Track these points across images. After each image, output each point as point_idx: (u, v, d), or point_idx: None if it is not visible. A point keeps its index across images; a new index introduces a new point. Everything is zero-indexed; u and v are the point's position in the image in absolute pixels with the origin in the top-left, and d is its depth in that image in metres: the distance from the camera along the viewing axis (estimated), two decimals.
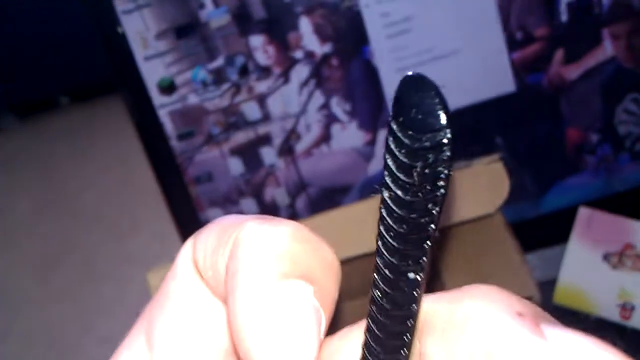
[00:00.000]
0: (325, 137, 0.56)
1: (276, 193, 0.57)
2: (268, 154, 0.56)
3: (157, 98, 0.55)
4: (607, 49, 0.53)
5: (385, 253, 0.14)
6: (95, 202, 1.74)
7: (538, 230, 0.57)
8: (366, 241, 0.40)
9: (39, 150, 1.98)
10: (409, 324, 0.14)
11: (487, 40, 0.52)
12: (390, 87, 0.54)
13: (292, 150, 0.56)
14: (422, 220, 0.13)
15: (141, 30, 0.53)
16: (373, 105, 0.55)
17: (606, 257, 0.51)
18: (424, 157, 0.13)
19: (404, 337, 0.14)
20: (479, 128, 0.55)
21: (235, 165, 0.56)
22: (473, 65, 0.53)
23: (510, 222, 0.57)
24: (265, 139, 0.56)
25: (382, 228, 0.14)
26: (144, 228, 1.62)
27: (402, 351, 0.14)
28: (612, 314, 0.50)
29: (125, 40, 0.53)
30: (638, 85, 0.54)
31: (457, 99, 0.54)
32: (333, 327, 0.17)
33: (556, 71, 0.53)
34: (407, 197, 0.13)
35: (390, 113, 0.13)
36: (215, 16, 0.52)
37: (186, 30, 0.53)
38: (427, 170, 0.13)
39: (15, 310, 1.56)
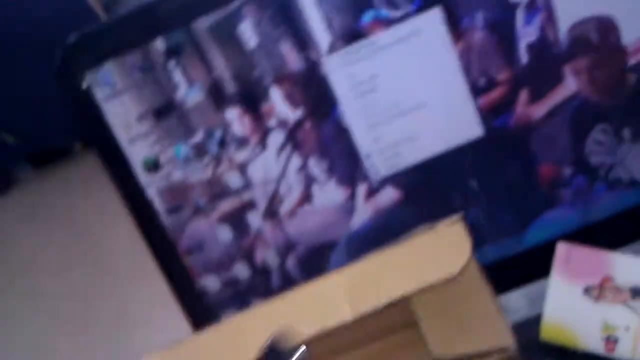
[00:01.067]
0: (307, 197, 0.58)
1: (266, 255, 0.59)
2: (254, 219, 0.58)
3: (143, 177, 0.57)
4: (570, 85, 0.54)
5: None
6: (116, 247, 1.79)
7: (521, 266, 0.59)
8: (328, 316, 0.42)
9: (58, 199, 2.03)
10: None
11: (451, 89, 0.54)
12: (363, 142, 0.56)
13: (276, 213, 0.58)
14: None
15: (122, 115, 0.56)
16: (349, 161, 0.57)
17: (587, 291, 0.52)
18: None
19: None
20: (452, 173, 0.57)
21: (224, 233, 0.59)
22: (440, 116, 0.55)
23: (493, 260, 0.59)
24: (250, 205, 0.58)
25: None
26: None
27: None
28: (598, 348, 0.51)
29: (109, 126, 0.56)
30: (605, 115, 0.55)
31: (428, 149, 0.56)
32: None
33: (522, 112, 0.55)
34: None
35: None
36: (190, 95, 0.55)
37: (164, 111, 0.56)
38: None
39: (50, 357, 1.60)
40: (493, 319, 0.46)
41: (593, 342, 0.52)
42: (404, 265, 0.43)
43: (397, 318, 0.50)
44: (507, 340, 0.45)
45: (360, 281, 0.44)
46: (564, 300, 0.53)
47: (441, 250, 0.43)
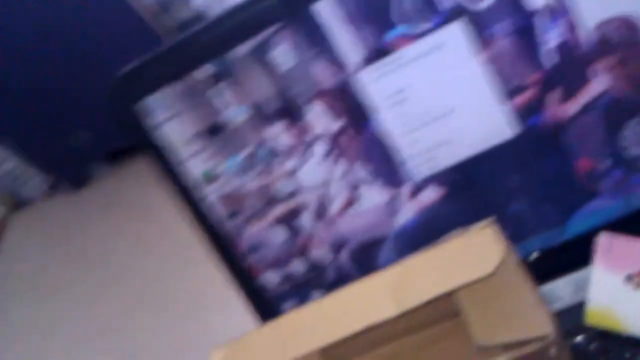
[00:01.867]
0: (353, 199, 0.61)
1: (319, 252, 0.64)
2: (306, 221, 0.63)
3: (203, 188, 0.63)
4: (600, 82, 0.55)
5: None
6: (190, 236, 1.88)
7: (566, 255, 0.60)
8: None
9: (131, 193, 2.15)
10: None
11: (480, 95, 0.56)
12: (401, 147, 0.59)
13: (325, 214, 0.62)
14: None
15: (176, 135, 0.61)
16: (391, 165, 0.60)
17: (628, 279, 0.54)
18: None
19: None
20: (491, 171, 0.59)
21: (279, 234, 0.63)
22: (472, 119, 0.57)
23: (537, 250, 0.61)
24: (301, 209, 0.62)
25: None
26: None
27: None
28: None
29: (164, 145, 0.61)
30: (639, 108, 0.56)
31: (464, 151, 0.58)
32: None
33: (554, 111, 0.56)
34: None
35: None
36: (237, 114, 0.60)
37: (215, 130, 0.60)
38: None
39: (133, 344, 1.72)
40: (533, 309, 0.49)
41: (637, 327, 0.53)
42: (442, 266, 0.47)
43: (440, 310, 0.53)
44: (547, 329, 0.47)
45: (403, 280, 0.47)
46: (606, 288, 0.55)
47: (476, 251, 0.46)
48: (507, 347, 0.49)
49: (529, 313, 0.50)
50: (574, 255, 0.60)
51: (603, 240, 0.56)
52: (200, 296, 1.69)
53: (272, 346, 0.53)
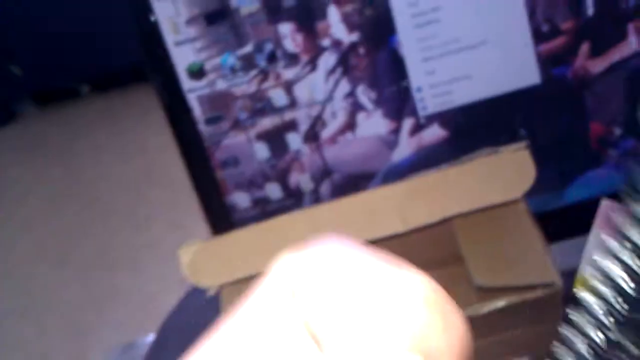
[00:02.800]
0: (351, 125, 0.56)
1: (301, 178, 0.58)
2: (294, 140, 0.57)
3: (187, 83, 0.56)
4: (632, 43, 0.53)
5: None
6: (111, 191, 1.76)
7: (560, 221, 0.58)
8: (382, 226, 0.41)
9: (57, 139, 2.00)
10: None
11: (514, 32, 0.53)
12: (416, 75, 0.55)
13: (317, 136, 0.57)
14: None
15: (172, 16, 0.54)
16: (398, 95, 0.56)
17: None
18: None
19: None
20: (503, 119, 0.56)
21: (261, 151, 0.57)
22: (499, 57, 0.53)
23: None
24: (291, 125, 0.57)
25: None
26: (158, 219, 1.65)
27: None
28: None
29: (157, 26, 0.54)
30: None
31: (482, 90, 0.55)
32: None
33: (581, 64, 0.54)
34: None
35: None
36: (245, 3, 0.53)
37: (216, 17, 0.54)
38: None
39: (32, 294, 1.58)
40: (539, 256, 0.45)
41: None
42: (463, 185, 0.42)
43: (443, 252, 0.49)
44: (553, 277, 0.44)
45: (415, 196, 0.42)
46: None
47: (504, 174, 0.42)
48: (509, 290, 0.45)
49: (535, 259, 0.46)
50: (567, 224, 0.58)
51: (604, 207, 0.53)
52: (114, 251, 1.57)
53: (249, 251, 0.46)
